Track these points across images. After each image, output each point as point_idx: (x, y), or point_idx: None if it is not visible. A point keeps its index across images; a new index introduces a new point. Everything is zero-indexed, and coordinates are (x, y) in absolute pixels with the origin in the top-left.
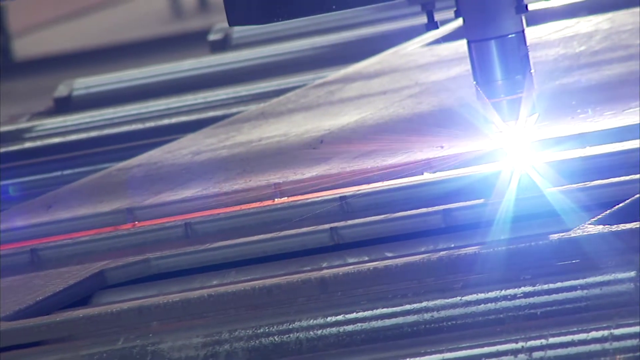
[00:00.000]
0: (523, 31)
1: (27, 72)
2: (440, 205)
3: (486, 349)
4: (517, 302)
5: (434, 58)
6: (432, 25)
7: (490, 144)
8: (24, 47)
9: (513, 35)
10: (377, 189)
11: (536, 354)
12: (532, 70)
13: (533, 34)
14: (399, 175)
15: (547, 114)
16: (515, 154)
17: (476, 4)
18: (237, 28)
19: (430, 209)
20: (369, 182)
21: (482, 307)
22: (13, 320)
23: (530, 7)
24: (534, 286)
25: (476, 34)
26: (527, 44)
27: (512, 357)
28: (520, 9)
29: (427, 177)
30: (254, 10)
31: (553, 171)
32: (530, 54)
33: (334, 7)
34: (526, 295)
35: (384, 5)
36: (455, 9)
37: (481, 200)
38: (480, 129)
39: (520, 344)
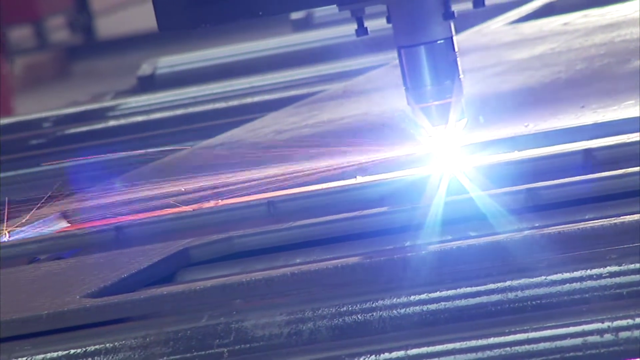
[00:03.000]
0: (452, 37)
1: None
2: (525, 184)
3: (572, 329)
4: (602, 281)
5: (517, 36)
6: (362, 31)
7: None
8: (108, 26)
9: (442, 41)
10: (460, 167)
11: (622, 334)
12: (462, 76)
13: (618, 12)
14: (483, 154)
15: (632, 92)
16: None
17: (405, 11)
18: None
19: (513, 188)
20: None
21: (567, 286)
22: (98, 297)
23: None
24: (619, 266)
25: (406, 40)
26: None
27: (598, 337)
28: (448, 15)
29: (512, 156)
30: (182, 16)
31: None
32: (615, 32)
33: (260, 13)
34: (612, 275)
35: None
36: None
37: (566, 180)
38: (565, 107)
39: (606, 324)
